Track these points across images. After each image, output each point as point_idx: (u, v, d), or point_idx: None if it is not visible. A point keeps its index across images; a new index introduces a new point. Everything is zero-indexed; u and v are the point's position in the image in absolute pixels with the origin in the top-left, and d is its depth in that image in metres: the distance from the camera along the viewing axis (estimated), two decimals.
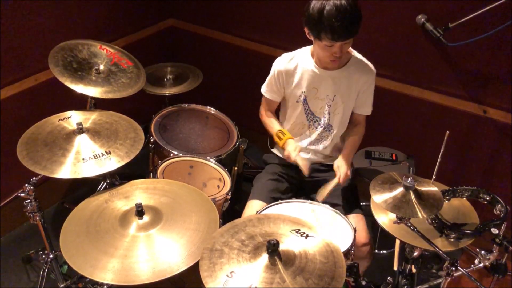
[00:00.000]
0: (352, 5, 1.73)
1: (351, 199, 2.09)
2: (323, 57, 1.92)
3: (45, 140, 1.85)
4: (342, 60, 1.97)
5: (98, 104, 2.28)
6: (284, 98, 2.15)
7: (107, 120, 2.00)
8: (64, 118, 1.98)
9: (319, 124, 2.09)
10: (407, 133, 2.71)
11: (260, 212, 1.91)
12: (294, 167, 2.18)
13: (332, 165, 2.08)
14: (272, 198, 2.07)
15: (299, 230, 1.49)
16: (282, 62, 2.06)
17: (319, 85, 2.01)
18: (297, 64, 2.01)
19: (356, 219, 1.98)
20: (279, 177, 2.17)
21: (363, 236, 1.93)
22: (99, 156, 1.80)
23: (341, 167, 2.00)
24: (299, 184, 2.21)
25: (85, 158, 1.78)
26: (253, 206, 2.04)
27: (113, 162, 1.79)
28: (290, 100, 2.11)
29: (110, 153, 1.82)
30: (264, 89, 2.16)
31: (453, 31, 2.20)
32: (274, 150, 2.30)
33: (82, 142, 1.85)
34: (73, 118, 1.99)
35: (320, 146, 2.14)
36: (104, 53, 2.30)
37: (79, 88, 2.10)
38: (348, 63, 1.99)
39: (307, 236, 1.47)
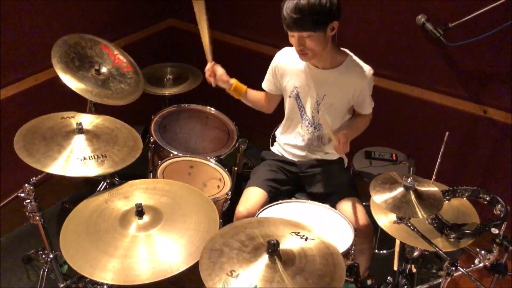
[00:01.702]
0: (313, 2, 1.73)
1: (347, 184, 2.11)
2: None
3: (44, 134, 1.84)
4: (334, 61, 1.97)
5: (98, 105, 2.28)
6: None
7: (109, 125, 1.99)
8: (67, 117, 1.98)
9: (310, 123, 2.10)
10: (407, 133, 2.71)
11: (260, 213, 1.91)
12: (291, 163, 2.21)
13: (328, 160, 2.13)
14: (270, 187, 2.10)
15: (299, 232, 1.49)
16: (281, 56, 2.09)
17: (310, 83, 2.03)
18: (294, 59, 2.02)
19: (352, 202, 1.99)
20: (276, 168, 2.19)
21: (361, 218, 1.94)
22: (93, 158, 1.79)
23: (341, 137, 1.92)
24: (296, 179, 2.22)
25: (79, 158, 1.77)
26: (250, 193, 2.07)
27: (106, 167, 1.78)
28: (285, 94, 2.14)
29: (105, 156, 1.81)
30: (263, 82, 2.21)
31: (453, 31, 2.20)
32: (273, 148, 2.31)
33: (80, 142, 1.84)
34: (76, 118, 1.98)
35: (315, 144, 2.15)
36: (106, 53, 2.30)
37: (79, 89, 2.10)
38: (341, 65, 1.98)
39: (306, 238, 1.47)
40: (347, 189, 2.09)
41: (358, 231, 1.88)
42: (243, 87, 2.21)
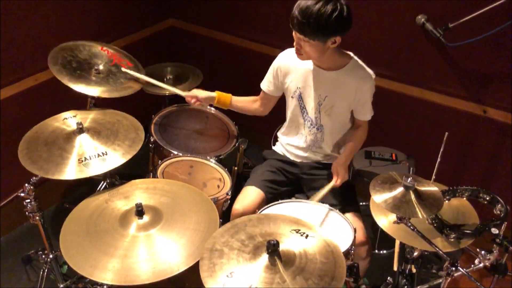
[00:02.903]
0: (322, 13, 1.72)
1: (348, 198, 2.10)
2: None
3: (46, 139, 1.85)
4: (337, 63, 1.97)
5: (98, 104, 2.28)
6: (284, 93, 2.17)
7: (110, 119, 1.99)
8: (69, 117, 1.98)
9: (312, 124, 2.10)
10: (407, 133, 2.71)
11: (261, 212, 1.91)
12: (293, 163, 2.21)
13: (330, 164, 2.10)
14: (268, 188, 2.11)
15: (299, 230, 1.49)
16: (284, 57, 2.09)
17: (313, 84, 2.02)
18: (298, 60, 2.01)
19: (352, 218, 1.98)
20: (276, 170, 2.20)
21: (360, 234, 1.94)
22: (95, 157, 1.79)
23: (339, 170, 2.01)
24: (296, 180, 2.22)
25: (81, 159, 1.78)
26: (248, 192, 2.08)
27: (108, 163, 1.78)
28: (287, 95, 2.14)
29: (106, 153, 1.81)
30: (262, 82, 2.20)
31: (453, 31, 2.20)
32: (275, 148, 2.31)
33: (81, 143, 1.84)
34: (77, 116, 1.98)
35: (316, 146, 2.15)
36: (105, 54, 2.30)
37: (77, 87, 2.10)
38: (345, 67, 1.98)
39: (307, 236, 1.47)
40: (347, 202, 2.07)
41: (355, 246, 1.87)
42: (227, 96, 2.25)
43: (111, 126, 1.96)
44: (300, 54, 1.91)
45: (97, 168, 1.76)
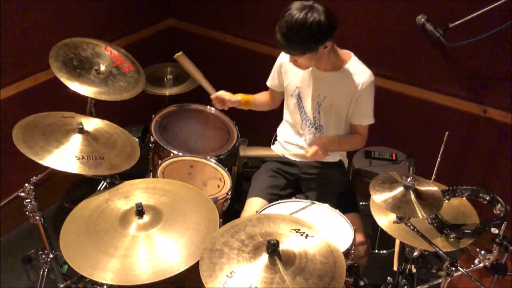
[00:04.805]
0: (301, 29, 1.71)
1: (347, 199, 2.10)
2: None
3: (44, 130, 1.84)
4: (335, 64, 1.96)
5: (99, 104, 2.28)
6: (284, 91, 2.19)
7: (109, 130, 1.99)
8: (67, 117, 1.97)
9: (311, 123, 2.10)
10: (407, 133, 2.71)
11: (260, 212, 1.91)
12: (291, 164, 2.21)
13: (330, 162, 2.10)
14: (271, 195, 2.10)
15: (299, 229, 1.49)
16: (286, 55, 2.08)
17: (311, 84, 2.03)
18: None
19: (352, 218, 1.98)
20: (276, 173, 2.20)
21: (359, 235, 1.94)
22: (91, 159, 1.79)
23: (313, 145, 1.97)
24: (296, 181, 2.23)
25: (78, 156, 1.77)
26: (252, 204, 2.07)
27: (103, 169, 1.78)
28: (287, 93, 2.15)
29: (103, 158, 1.81)
30: (268, 78, 2.22)
31: (453, 31, 2.20)
32: (274, 147, 2.31)
33: (79, 141, 1.84)
34: (76, 118, 1.97)
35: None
36: (107, 55, 2.30)
37: (75, 86, 2.09)
38: (343, 68, 1.97)
39: (307, 235, 1.47)
40: (347, 203, 2.06)
41: (354, 247, 1.86)
42: (249, 97, 2.26)
43: (109, 135, 1.95)
44: (299, 66, 1.93)
45: (93, 169, 1.76)
